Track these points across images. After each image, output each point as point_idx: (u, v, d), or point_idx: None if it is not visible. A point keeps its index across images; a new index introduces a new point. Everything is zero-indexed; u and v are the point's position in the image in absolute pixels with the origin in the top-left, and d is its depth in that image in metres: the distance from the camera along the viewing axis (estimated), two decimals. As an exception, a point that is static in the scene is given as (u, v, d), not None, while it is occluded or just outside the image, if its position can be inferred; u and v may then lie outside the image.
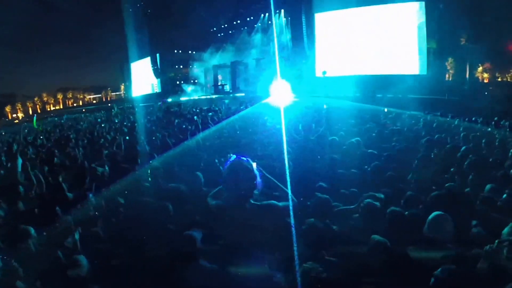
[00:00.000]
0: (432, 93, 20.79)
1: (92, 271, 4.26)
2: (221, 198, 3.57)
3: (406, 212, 4.63)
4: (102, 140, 12.97)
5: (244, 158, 3.56)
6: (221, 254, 3.54)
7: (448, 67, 23.38)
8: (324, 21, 29.29)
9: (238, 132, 12.11)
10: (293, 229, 3.51)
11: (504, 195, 5.11)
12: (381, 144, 9.08)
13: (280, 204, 3.56)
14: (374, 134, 10.34)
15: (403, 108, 14.96)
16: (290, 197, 3.59)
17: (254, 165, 3.56)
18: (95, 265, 4.34)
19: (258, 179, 3.53)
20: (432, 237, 4.03)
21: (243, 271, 3.35)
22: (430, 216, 4.10)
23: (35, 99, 68.83)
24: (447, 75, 23.38)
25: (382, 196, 5.11)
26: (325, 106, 13.39)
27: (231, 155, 3.60)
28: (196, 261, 3.92)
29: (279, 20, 32.91)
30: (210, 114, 18.79)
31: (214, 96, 34.40)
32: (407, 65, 24.68)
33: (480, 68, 22.99)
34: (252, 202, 3.46)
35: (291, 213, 3.52)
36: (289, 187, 3.83)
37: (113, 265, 4.51)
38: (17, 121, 48.83)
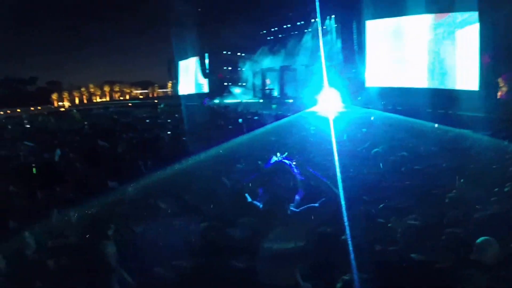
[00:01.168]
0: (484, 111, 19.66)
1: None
2: (261, 199, 3.55)
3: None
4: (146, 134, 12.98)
5: (287, 161, 3.61)
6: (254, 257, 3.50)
7: (501, 84, 22.07)
8: (376, 29, 28.24)
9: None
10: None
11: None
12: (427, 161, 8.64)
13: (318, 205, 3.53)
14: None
15: (454, 126, 14.30)
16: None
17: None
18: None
19: (300, 184, 3.52)
20: (478, 260, 3.92)
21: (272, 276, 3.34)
22: (478, 240, 3.99)
23: (82, 89, 70.08)
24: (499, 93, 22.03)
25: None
26: (372, 118, 12.89)
27: (276, 156, 3.70)
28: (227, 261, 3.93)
29: (329, 26, 32.32)
30: (256, 118, 18.48)
31: (261, 101, 34.10)
32: (463, 80, 23.43)
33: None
34: (292, 209, 3.46)
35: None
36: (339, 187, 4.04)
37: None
38: (63, 109, 49.78)
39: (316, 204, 3.55)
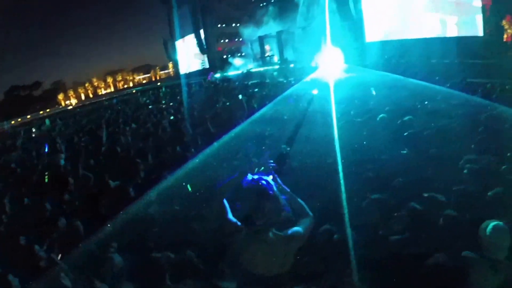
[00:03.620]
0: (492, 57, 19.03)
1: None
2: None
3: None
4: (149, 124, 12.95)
5: (265, 178, 3.36)
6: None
7: (506, 27, 21.23)
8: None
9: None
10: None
11: None
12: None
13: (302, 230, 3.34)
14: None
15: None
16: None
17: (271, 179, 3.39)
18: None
19: (282, 202, 3.35)
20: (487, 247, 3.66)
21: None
22: (490, 226, 3.65)
23: (86, 84, 70.50)
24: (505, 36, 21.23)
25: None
26: (374, 93, 12.45)
27: (248, 175, 3.40)
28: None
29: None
30: (256, 90, 18.35)
31: (262, 69, 33.71)
32: (463, 26, 22.78)
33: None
34: (275, 232, 3.26)
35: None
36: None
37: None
38: (70, 107, 50.25)
39: (299, 228, 3.36)
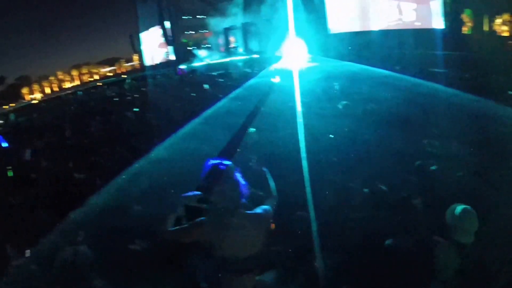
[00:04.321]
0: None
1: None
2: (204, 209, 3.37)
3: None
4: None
5: (224, 163, 3.44)
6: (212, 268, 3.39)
7: (465, 20, 21.84)
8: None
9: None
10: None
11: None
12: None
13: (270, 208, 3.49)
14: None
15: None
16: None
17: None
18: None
19: (242, 185, 3.39)
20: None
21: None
22: (459, 209, 3.82)
23: (51, 78, 69.04)
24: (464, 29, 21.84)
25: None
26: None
27: (209, 160, 3.46)
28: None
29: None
30: (222, 80, 18.55)
31: (227, 60, 33.96)
32: (425, 19, 23.24)
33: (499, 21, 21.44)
34: (241, 212, 3.36)
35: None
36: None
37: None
38: (35, 101, 49.36)
39: (268, 207, 3.51)
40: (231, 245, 3.26)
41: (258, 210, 3.45)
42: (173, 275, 4.30)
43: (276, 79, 13.55)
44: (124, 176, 6.52)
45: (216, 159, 3.52)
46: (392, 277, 3.75)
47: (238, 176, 3.44)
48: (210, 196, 3.33)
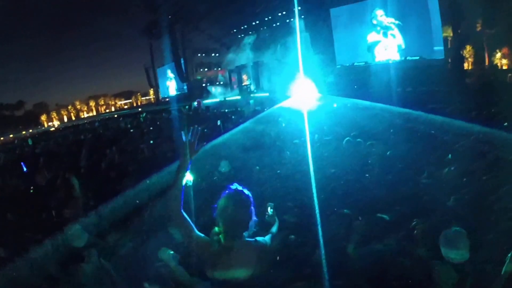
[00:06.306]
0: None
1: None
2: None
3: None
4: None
5: (246, 192, 3.45)
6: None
7: (467, 55, 22.47)
8: (340, 15, 29.57)
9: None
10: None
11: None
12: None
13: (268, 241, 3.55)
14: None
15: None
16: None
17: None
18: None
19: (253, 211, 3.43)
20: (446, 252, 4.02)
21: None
22: (449, 232, 4.05)
23: (69, 107, 70.77)
24: (466, 64, 22.41)
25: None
26: (335, 105, 13.05)
27: (234, 184, 3.46)
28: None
29: (295, 19, 33.10)
30: (233, 117, 19.18)
31: (239, 97, 34.88)
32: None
33: (498, 55, 22.06)
34: (246, 238, 3.37)
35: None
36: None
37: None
38: (53, 129, 50.33)
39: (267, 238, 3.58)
40: (231, 270, 3.25)
41: (261, 238, 3.46)
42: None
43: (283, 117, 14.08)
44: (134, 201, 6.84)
45: (240, 185, 3.48)
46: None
47: (252, 210, 3.40)
48: (222, 216, 3.32)
